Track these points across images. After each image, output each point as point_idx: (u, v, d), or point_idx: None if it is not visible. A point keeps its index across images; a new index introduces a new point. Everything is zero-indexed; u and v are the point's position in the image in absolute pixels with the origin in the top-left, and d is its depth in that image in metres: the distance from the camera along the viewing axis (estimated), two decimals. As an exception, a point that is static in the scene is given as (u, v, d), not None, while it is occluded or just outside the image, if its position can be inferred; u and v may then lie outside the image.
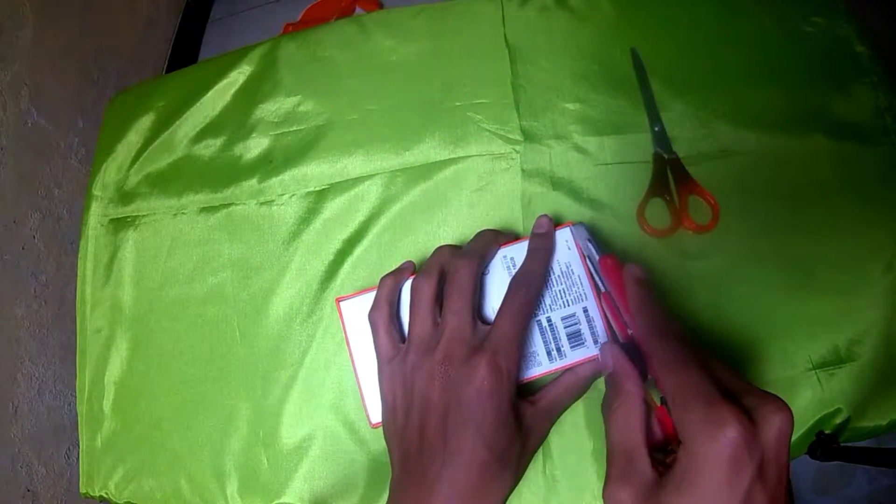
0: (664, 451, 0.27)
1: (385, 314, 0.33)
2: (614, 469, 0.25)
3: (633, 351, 0.29)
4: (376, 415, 0.34)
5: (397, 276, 0.34)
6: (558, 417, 0.33)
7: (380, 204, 0.44)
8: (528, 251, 0.34)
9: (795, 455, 0.37)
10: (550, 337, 0.33)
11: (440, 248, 0.35)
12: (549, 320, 0.33)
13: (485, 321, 0.31)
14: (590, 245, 0.34)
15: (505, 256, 0.35)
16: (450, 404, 0.28)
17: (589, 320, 0.33)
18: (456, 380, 0.28)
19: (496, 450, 0.27)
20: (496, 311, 0.31)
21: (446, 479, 0.27)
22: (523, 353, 0.32)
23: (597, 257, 0.33)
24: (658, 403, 0.27)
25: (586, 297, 0.34)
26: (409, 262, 0.36)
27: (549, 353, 0.33)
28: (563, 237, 0.35)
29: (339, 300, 0.35)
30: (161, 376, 0.44)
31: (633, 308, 0.29)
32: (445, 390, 0.28)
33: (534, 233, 0.35)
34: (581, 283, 0.34)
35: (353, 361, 0.35)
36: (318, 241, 0.44)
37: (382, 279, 0.34)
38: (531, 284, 0.32)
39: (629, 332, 0.30)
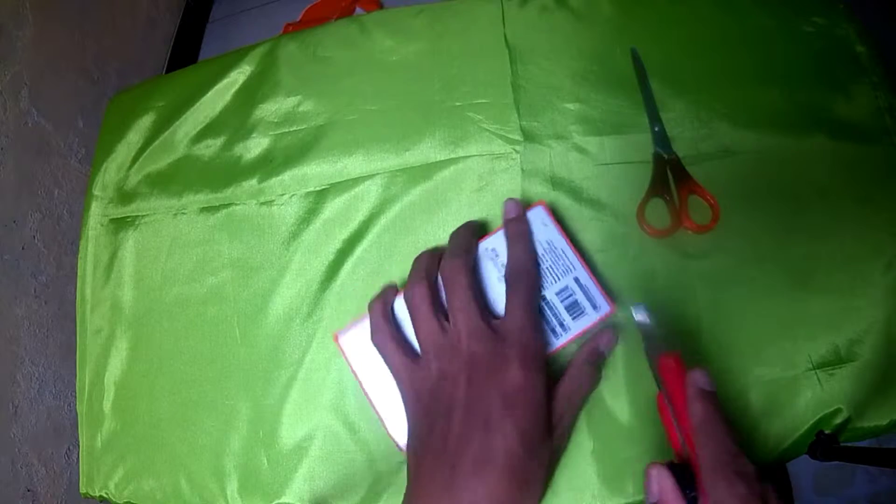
0: None
1: (387, 333, 0.32)
2: None
3: (680, 471, 0.26)
4: (402, 438, 0.33)
5: (383, 296, 0.34)
6: (575, 416, 0.32)
7: (380, 204, 0.44)
8: (508, 239, 0.34)
9: (795, 455, 0.37)
10: (551, 315, 0.33)
11: (418, 256, 0.34)
12: (544, 299, 0.33)
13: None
14: (653, 333, 0.31)
15: (486, 248, 0.35)
16: (483, 404, 0.26)
17: (583, 288, 0.33)
18: (486, 379, 0.27)
19: (531, 446, 0.26)
20: (493, 304, 0.31)
21: (479, 483, 0.25)
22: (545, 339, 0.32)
23: (657, 352, 0.30)
24: None
25: (574, 267, 0.34)
26: (391, 283, 0.35)
27: (553, 331, 0.33)
28: (538, 217, 0.35)
29: (336, 336, 0.35)
30: (161, 376, 0.44)
31: (697, 427, 0.26)
32: (478, 390, 0.27)
33: (506, 219, 0.35)
34: (566, 255, 0.34)
35: (365, 393, 0.34)
36: (318, 241, 0.44)
37: (370, 304, 0.33)
38: (527, 271, 0.32)
39: (681, 442, 0.27)
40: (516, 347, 0.28)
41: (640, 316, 0.32)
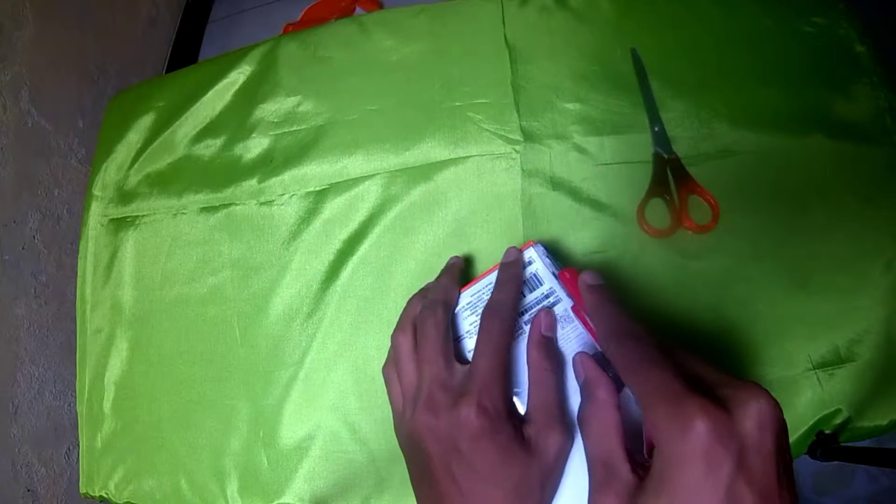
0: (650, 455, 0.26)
1: (393, 370, 0.33)
2: (595, 478, 0.25)
3: (605, 359, 0.28)
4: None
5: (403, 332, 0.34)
6: (560, 415, 0.32)
7: (380, 204, 0.44)
8: (497, 282, 0.33)
9: (795, 455, 0.37)
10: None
11: (410, 300, 0.35)
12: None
13: (465, 362, 0.31)
14: (548, 261, 0.34)
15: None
16: (451, 455, 0.27)
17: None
18: (448, 429, 0.27)
19: (509, 486, 0.26)
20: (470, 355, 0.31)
21: None
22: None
23: (557, 271, 0.33)
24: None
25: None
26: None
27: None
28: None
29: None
30: (161, 376, 0.44)
31: (589, 315, 0.29)
32: (441, 441, 0.28)
33: (502, 263, 0.34)
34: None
35: None
36: (318, 241, 0.44)
37: (393, 337, 0.34)
38: (500, 315, 0.31)
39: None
40: (474, 395, 0.28)
41: (539, 253, 0.34)
